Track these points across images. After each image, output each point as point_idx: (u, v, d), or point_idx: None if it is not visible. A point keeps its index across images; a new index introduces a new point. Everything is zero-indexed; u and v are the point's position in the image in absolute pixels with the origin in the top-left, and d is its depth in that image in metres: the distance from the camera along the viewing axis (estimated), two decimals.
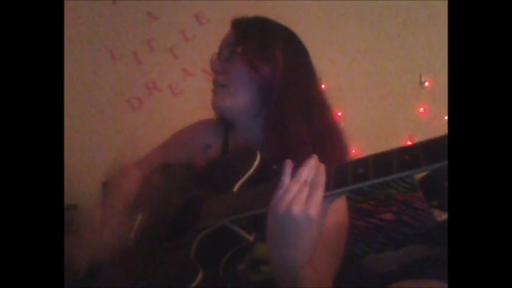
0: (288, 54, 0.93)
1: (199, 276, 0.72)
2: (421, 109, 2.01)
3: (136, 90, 1.97)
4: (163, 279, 0.79)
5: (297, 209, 0.62)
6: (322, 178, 0.64)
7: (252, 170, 0.81)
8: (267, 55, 0.91)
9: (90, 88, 1.95)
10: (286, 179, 0.66)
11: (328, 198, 0.65)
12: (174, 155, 1.09)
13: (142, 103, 1.98)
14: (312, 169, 0.66)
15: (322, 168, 0.66)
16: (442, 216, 1.50)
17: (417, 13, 2.00)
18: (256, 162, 0.82)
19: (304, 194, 0.63)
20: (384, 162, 0.60)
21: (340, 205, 0.88)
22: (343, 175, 0.63)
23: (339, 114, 1.77)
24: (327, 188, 0.64)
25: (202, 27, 1.98)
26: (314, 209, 0.62)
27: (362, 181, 0.61)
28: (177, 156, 1.09)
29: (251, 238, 0.76)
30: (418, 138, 1.98)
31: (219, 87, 0.95)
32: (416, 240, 1.39)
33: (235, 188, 0.80)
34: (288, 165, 0.67)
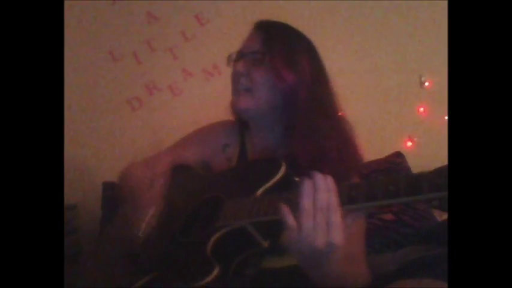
0: (313, 64, 0.94)
1: (215, 272, 0.72)
2: (421, 109, 2.01)
3: (136, 91, 1.97)
4: (177, 273, 0.79)
5: (320, 244, 0.61)
6: (334, 199, 0.63)
7: (275, 179, 0.81)
8: (294, 64, 0.92)
9: (90, 88, 1.95)
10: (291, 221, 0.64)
11: (356, 212, 0.64)
12: (191, 154, 1.10)
13: (143, 103, 1.97)
14: (324, 192, 0.63)
15: (332, 186, 0.64)
16: (442, 216, 1.50)
17: (417, 13, 2.00)
18: (281, 174, 0.82)
19: (321, 225, 0.61)
20: (415, 183, 0.58)
21: None
22: (374, 191, 0.62)
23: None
24: (358, 201, 0.62)
25: (202, 28, 1.97)
26: (337, 236, 0.61)
27: (392, 198, 0.60)
28: (193, 155, 1.09)
29: (265, 244, 0.77)
30: (418, 138, 1.99)
31: (243, 90, 0.96)
32: (416, 241, 1.39)
33: (259, 193, 0.80)
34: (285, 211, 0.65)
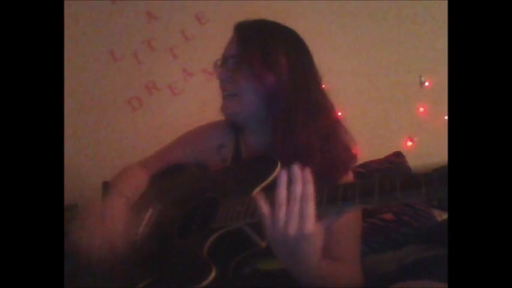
0: (292, 58, 0.93)
1: (212, 274, 0.72)
2: (421, 109, 2.01)
3: (136, 91, 1.97)
4: (174, 275, 0.79)
5: (291, 231, 0.64)
6: (310, 190, 0.65)
7: (271, 177, 0.81)
8: (271, 63, 0.91)
9: (90, 88, 1.95)
10: (264, 209, 0.67)
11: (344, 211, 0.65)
12: (185, 155, 1.10)
13: (143, 103, 1.98)
14: (299, 183, 0.65)
15: (308, 178, 0.65)
16: (442, 216, 1.50)
17: (417, 13, 2.00)
18: (277, 171, 0.82)
19: (293, 214, 0.64)
20: (412, 182, 0.58)
21: None
22: (369, 191, 0.62)
23: (339, 114, 1.77)
24: (353, 202, 0.62)
25: (202, 27, 1.98)
26: (309, 225, 0.64)
27: (388, 197, 0.59)
28: (188, 156, 1.10)
29: (263, 244, 0.77)
30: (418, 138, 1.99)
31: (229, 95, 0.96)
32: (416, 241, 1.39)
33: (254, 193, 0.80)
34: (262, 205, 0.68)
